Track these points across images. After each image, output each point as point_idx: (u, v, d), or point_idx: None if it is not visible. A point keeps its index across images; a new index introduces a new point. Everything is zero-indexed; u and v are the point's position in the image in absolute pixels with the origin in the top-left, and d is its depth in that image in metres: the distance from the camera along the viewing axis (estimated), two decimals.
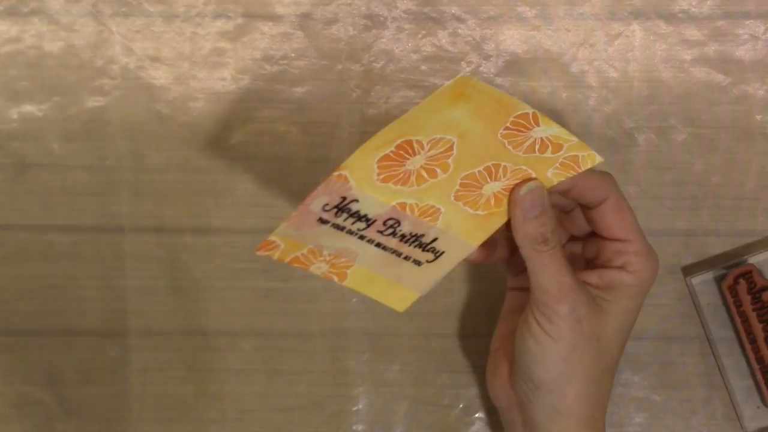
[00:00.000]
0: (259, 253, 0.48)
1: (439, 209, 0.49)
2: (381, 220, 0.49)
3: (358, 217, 0.49)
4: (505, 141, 0.47)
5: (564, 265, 0.47)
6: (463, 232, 0.50)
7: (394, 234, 0.49)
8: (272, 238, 0.48)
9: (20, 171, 0.58)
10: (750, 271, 0.55)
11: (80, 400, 0.57)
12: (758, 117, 0.57)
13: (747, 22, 0.57)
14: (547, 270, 0.47)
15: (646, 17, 0.58)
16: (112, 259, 0.57)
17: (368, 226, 0.49)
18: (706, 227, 0.57)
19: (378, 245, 0.50)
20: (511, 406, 0.50)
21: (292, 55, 0.58)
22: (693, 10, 0.58)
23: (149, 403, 0.57)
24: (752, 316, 0.55)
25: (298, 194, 0.57)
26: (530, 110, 0.46)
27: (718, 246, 0.57)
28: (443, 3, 0.58)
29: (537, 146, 0.47)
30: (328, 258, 0.50)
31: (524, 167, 0.48)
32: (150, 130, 0.58)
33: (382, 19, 0.58)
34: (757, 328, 0.55)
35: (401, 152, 0.47)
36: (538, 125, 0.46)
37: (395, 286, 0.51)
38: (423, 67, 0.58)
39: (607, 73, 0.58)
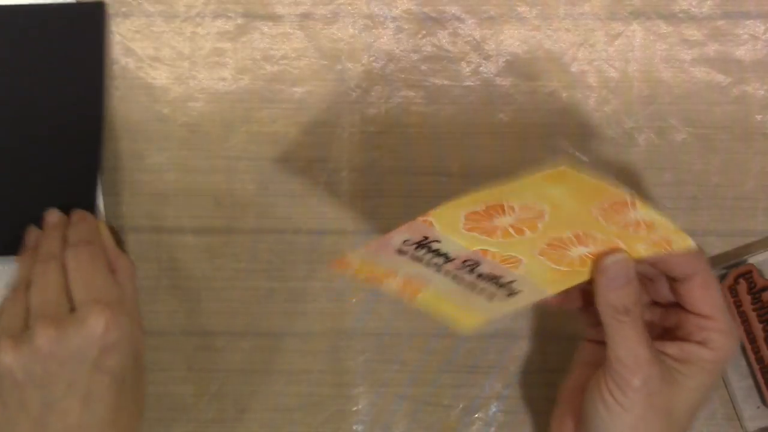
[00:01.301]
0: (332, 267, 0.48)
1: (521, 260, 0.48)
2: (460, 259, 0.48)
3: (438, 254, 0.48)
4: (600, 217, 0.46)
5: (642, 337, 0.46)
6: (542, 281, 0.49)
7: (472, 272, 0.49)
8: (349, 257, 0.48)
9: None
10: (750, 271, 0.55)
11: None
12: (758, 117, 0.57)
13: (747, 22, 0.57)
14: (625, 341, 0.46)
15: (646, 17, 0.58)
16: None
17: (447, 262, 0.48)
18: (706, 227, 0.57)
19: (454, 278, 0.49)
20: None
21: (292, 55, 0.58)
22: (693, 10, 0.58)
23: (149, 403, 0.57)
24: (752, 316, 0.55)
25: (298, 194, 0.57)
26: (628, 198, 0.45)
27: (717, 246, 0.57)
28: (443, 3, 0.58)
29: (631, 226, 0.46)
30: (400, 279, 0.50)
31: (614, 239, 0.47)
32: (150, 130, 0.58)
33: (382, 19, 0.58)
34: (757, 328, 0.55)
35: (491, 212, 0.46)
36: (635, 209, 0.46)
37: (461, 310, 0.51)
38: (423, 67, 0.58)
39: (607, 73, 0.58)
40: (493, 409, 0.57)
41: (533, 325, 0.57)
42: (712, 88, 0.58)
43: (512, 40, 0.58)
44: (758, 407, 0.56)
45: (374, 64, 0.58)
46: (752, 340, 0.55)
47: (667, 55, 0.58)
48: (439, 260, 0.48)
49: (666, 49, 0.58)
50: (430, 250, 0.48)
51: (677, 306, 0.49)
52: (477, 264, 0.48)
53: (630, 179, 0.57)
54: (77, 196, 0.56)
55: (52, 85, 0.57)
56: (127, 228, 0.57)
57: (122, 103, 0.58)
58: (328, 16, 0.58)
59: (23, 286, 0.51)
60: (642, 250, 0.47)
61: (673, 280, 0.49)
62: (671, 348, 0.48)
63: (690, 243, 0.46)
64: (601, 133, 0.58)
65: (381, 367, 0.58)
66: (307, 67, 0.58)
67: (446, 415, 0.57)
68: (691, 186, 0.57)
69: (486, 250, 0.48)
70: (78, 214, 0.54)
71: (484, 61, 0.58)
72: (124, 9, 0.58)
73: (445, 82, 0.58)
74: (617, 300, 0.47)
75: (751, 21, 0.58)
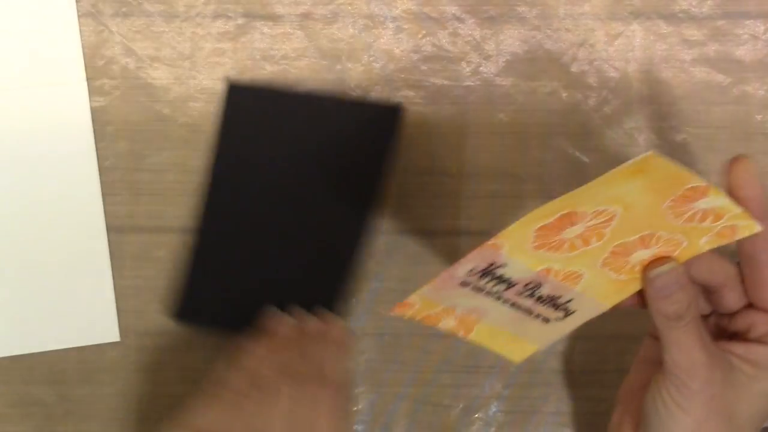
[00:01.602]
0: (393, 313, 0.47)
1: (582, 274, 0.48)
2: (522, 283, 0.48)
3: (501, 280, 0.48)
4: (669, 212, 0.45)
5: (698, 341, 0.45)
6: (600, 294, 0.49)
7: (532, 296, 0.49)
8: (412, 299, 0.48)
9: None
10: None
11: (80, 400, 0.57)
12: (758, 117, 0.57)
13: (747, 22, 0.58)
14: (680, 345, 0.45)
15: (646, 17, 0.58)
16: (112, 258, 0.57)
17: (508, 288, 0.48)
18: None
19: (513, 305, 0.49)
20: None
21: (292, 55, 0.58)
22: (693, 10, 0.58)
23: (149, 403, 0.57)
24: None
25: None
26: (704, 183, 0.44)
27: None
28: (443, 3, 0.58)
29: (698, 216, 0.46)
30: (458, 315, 0.49)
31: (679, 235, 0.46)
32: (150, 130, 0.58)
33: (382, 19, 0.58)
34: None
35: (562, 222, 0.45)
36: (706, 196, 0.45)
37: (517, 340, 0.51)
38: (423, 67, 0.58)
39: (607, 73, 0.58)
40: (493, 409, 0.57)
41: None
42: (712, 88, 0.58)
43: (512, 40, 0.58)
44: None
45: (374, 64, 0.58)
46: None
47: (667, 55, 0.58)
48: (501, 287, 0.48)
49: (666, 49, 0.58)
50: (494, 277, 0.47)
51: (748, 309, 0.48)
52: (538, 286, 0.48)
53: None
54: (326, 291, 0.55)
55: (330, 176, 0.56)
56: (127, 228, 0.57)
57: (122, 103, 0.58)
58: (328, 16, 0.58)
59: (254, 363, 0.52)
60: (705, 244, 0.47)
61: (748, 271, 0.47)
62: (739, 348, 0.46)
63: (755, 227, 0.45)
64: (601, 133, 0.58)
65: (381, 367, 0.58)
66: (307, 67, 0.58)
67: (446, 415, 0.57)
68: None
69: (549, 268, 0.47)
70: (331, 324, 0.55)
71: (484, 61, 0.58)
72: (124, 9, 0.58)
73: (445, 82, 0.58)
74: (667, 308, 0.46)
75: (751, 21, 0.58)
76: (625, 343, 0.57)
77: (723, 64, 0.57)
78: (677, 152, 0.57)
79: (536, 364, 0.57)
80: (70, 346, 0.57)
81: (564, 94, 0.58)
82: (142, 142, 0.58)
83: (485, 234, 0.45)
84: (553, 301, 0.49)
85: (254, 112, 0.56)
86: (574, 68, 0.58)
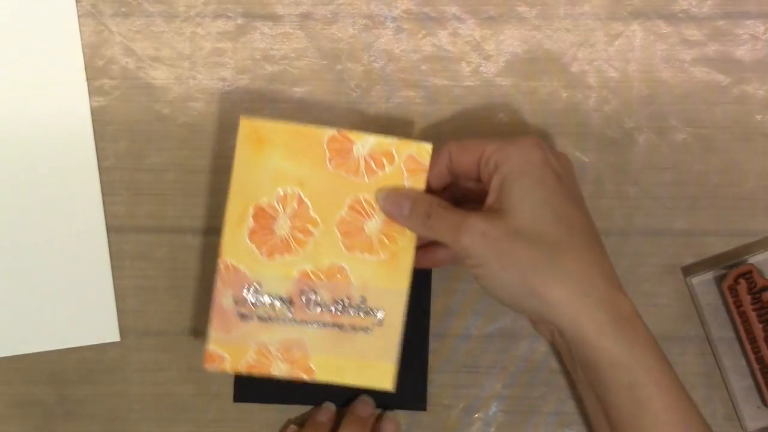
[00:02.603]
0: (207, 367, 0.51)
1: (342, 266, 0.51)
2: (296, 295, 0.51)
3: (272, 299, 0.51)
4: (341, 171, 0.50)
5: (450, 217, 0.49)
6: (383, 281, 0.51)
7: (320, 306, 0.51)
8: (210, 347, 0.51)
9: None
10: (750, 271, 0.55)
11: (80, 400, 0.57)
12: (758, 117, 0.57)
13: (747, 22, 0.57)
14: (443, 235, 0.50)
15: (646, 17, 0.58)
16: (112, 259, 0.57)
17: (291, 306, 0.51)
18: (706, 227, 0.57)
19: (316, 324, 0.51)
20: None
21: (292, 55, 0.58)
22: (693, 10, 0.58)
23: (149, 403, 0.57)
24: (752, 316, 0.55)
25: None
26: (332, 131, 0.49)
27: (717, 246, 0.57)
28: (443, 3, 0.58)
29: (373, 165, 0.50)
30: (278, 355, 0.52)
31: (376, 192, 0.51)
32: (150, 130, 0.58)
33: (382, 19, 0.58)
34: (757, 328, 0.55)
35: (262, 221, 0.50)
36: (352, 142, 0.50)
37: (365, 365, 0.52)
38: (423, 67, 0.58)
39: (607, 73, 0.58)
40: (493, 409, 0.57)
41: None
42: (712, 88, 0.58)
43: (512, 40, 0.58)
44: (758, 407, 0.56)
45: (374, 64, 0.58)
46: (752, 340, 0.55)
47: (667, 55, 0.58)
48: (283, 308, 0.51)
49: (666, 49, 0.58)
50: (262, 299, 0.51)
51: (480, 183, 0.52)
52: (313, 292, 0.51)
53: (629, 179, 0.57)
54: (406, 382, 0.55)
55: None
56: (127, 228, 0.57)
57: (122, 103, 0.58)
58: (328, 16, 0.58)
59: None
60: (411, 185, 0.51)
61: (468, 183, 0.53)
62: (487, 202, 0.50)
63: (425, 145, 0.51)
64: (601, 133, 0.58)
65: None
66: (307, 67, 0.58)
67: (446, 415, 0.57)
68: (691, 186, 0.57)
69: (304, 271, 0.51)
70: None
71: (484, 61, 0.58)
72: (124, 9, 0.58)
73: (445, 82, 0.58)
74: (414, 219, 0.50)
75: (751, 21, 0.58)
76: None
77: (723, 64, 0.57)
78: (677, 152, 0.57)
79: (536, 364, 0.57)
80: (70, 346, 0.57)
81: (564, 94, 0.58)
82: (142, 142, 0.58)
83: None
84: (346, 307, 0.51)
85: None
86: (574, 68, 0.58)
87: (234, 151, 0.50)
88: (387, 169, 0.51)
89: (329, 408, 0.56)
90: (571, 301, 0.47)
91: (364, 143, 0.50)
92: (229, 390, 0.57)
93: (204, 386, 0.57)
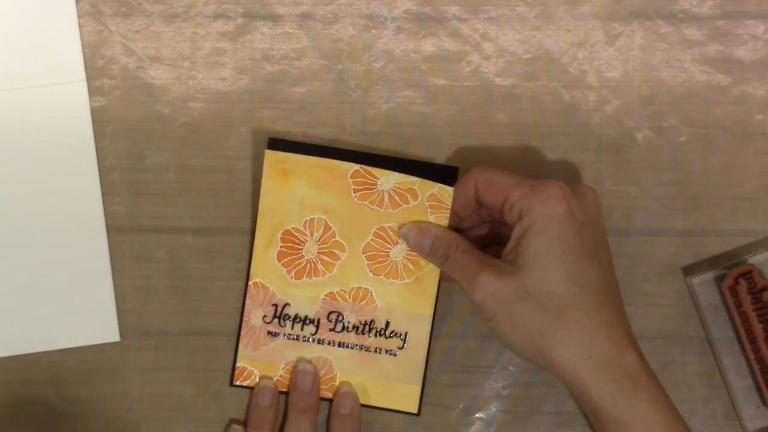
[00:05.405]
0: (238, 384, 0.54)
1: (368, 289, 0.53)
2: (323, 316, 0.53)
3: (301, 320, 0.53)
4: (366, 202, 0.52)
5: (467, 266, 0.51)
6: (408, 305, 0.53)
7: (345, 328, 0.53)
8: (239, 364, 0.54)
9: None
10: (750, 271, 0.55)
11: (80, 400, 0.57)
12: (758, 117, 0.57)
13: (747, 22, 0.57)
14: (456, 277, 0.51)
15: (646, 17, 0.58)
16: (112, 258, 0.57)
17: (317, 327, 0.53)
18: (706, 227, 0.57)
19: (341, 345, 0.53)
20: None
21: (292, 55, 0.58)
22: (693, 10, 0.58)
23: (149, 403, 0.57)
24: (752, 316, 0.55)
25: None
26: (355, 166, 0.51)
27: (718, 246, 0.57)
28: (443, 3, 0.58)
29: (397, 198, 0.52)
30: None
31: (404, 221, 0.53)
32: (150, 130, 0.58)
33: (382, 19, 0.58)
34: (757, 328, 0.55)
35: (290, 244, 0.52)
36: (376, 178, 0.52)
37: (391, 387, 0.54)
38: (423, 67, 0.58)
39: (607, 73, 0.58)
40: (493, 409, 0.57)
41: None
42: (712, 88, 0.58)
43: (512, 40, 0.58)
44: (758, 407, 0.56)
45: (374, 64, 0.58)
46: (752, 340, 0.55)
47: (667, 55, 0.58)
48: (311, 328, 0.53)
49: (666, 49, 0.58)
50: (292, 319, 0.53)
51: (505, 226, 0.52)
52: (340, 315, 0.53)
53: (629, 179, 0.57)
54: None
55: None
56: (127, 228, 0.57)
57: (122, 103, 0.58)
58: (328, 16, 0.58)
59: None
60: (435, 221, 0.53)
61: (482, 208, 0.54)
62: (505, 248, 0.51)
63: (446, 188, 0.52)
64: (601, 133, 0.58)
65: None
66: (307, 67, 0.58)
67: (446, 415, 0.57)
68: (691, 186, 0.57)
69: (331, 293, 0.53)
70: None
71: (484, 61, 0.58)
72: (124, 9, 0.58)
73: (445, 82, 0.58)
74: (433, 258, 0.53)
75: (751, 21, 0.58)
76: None
77: (723, 64, 0.57)
78: (677, 152, 0.57)
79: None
80: (70, 346, 0.57)
81: (564, 94, 0.58)
82: (142, 142, 0.58)
83: None
84: (372, 329, 0.53)
85: None
86: (574, 68, 0.58)
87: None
88: (411, 203, 0.53)
89: (268, 386, 0.55)
90: (574, 363, 0.48)
91: (388, 179, 0.52)
92: (229, 389, 0.57)
93: (204, 386, 0.57)
